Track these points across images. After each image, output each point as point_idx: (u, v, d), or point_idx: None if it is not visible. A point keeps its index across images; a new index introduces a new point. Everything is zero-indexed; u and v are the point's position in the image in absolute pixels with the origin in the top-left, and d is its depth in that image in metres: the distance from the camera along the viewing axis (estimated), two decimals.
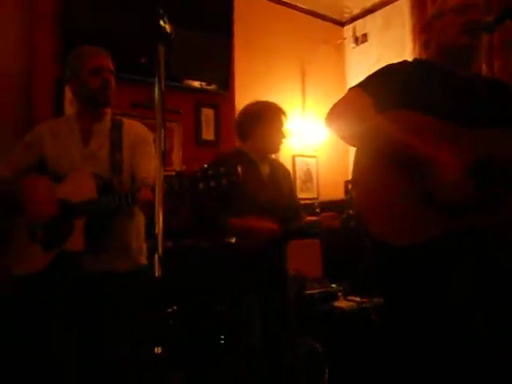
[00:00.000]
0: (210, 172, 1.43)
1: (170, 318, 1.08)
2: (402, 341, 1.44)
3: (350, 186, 2.30)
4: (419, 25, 3.38)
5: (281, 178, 2.31)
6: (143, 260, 1.88)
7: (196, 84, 3.27)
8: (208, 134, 3.37)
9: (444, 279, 1.36)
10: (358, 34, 4.24)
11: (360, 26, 4.24)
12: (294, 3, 4.06)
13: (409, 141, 1.36)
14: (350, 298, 3.09)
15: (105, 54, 1.85)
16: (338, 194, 3.92)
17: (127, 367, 1.71)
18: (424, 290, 1.37)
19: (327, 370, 2.61)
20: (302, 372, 2.53)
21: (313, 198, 3.88)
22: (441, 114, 1.39)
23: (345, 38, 4.36)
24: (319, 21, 4.26)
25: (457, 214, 1.32)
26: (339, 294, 3.12)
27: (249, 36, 3.68)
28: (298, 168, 3.97)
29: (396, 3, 3.91)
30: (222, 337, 2.33)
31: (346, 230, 2.06)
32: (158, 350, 1.04)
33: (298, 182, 3.92)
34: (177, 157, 3.18)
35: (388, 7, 4.01)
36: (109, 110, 1.90)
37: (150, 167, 1.76)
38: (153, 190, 1.16)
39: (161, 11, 1.17)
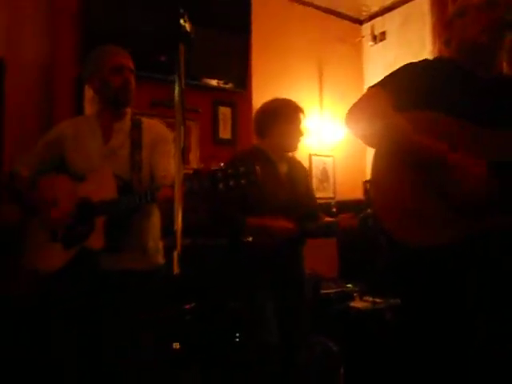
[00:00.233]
0: (229, 171, 1.43)
1: (186, 314, 1.09)
2: (416, 342, 1.44)
3: (368, 186, 2.29)
4: (439, 23, 3.33)
5: (299, 177, 2.30)
6: (160, 259, 1.89)
7: (213, 82, 3.28)
8: (225, 132, 3.39)
9: (462, 281, 1.35)
10: (377, 32, 4.20)
11: (378, 24, 4.20)
12: (311, 1, 4.04)
13: (427, 143, 1.34)
14: (365, 298, 3.07)
15: (125, 54, 1.86)
16: (355, 193, 3.91)
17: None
18: (441, 292, 1.36)
19: (342, 370, 2.60)
20: (317, 371, 2.53)
21: (329, 198, 3.86)
22: (461, 115, 1.37)
23: (363, 37, 4.33)
24: (337, 19, 4.24)
25: (480, 216, 1.31)
26: (355, 294, 3.10)
27: (266, 35, 3.67)
28: (314, 167, 3.96)
29: (416, 1, 3.86)
30: (237, 335, 2.33)
31: (364, 229, 2.05)
32: (176, 345, 1.05)
33: (315, 181, 3.91)
34: (194, 155, 3.20)
35: (407, 5, 3.96)
36: (129, 110, 1.91)
37: (169, 166, 1.77)
38: (172, 188, 1.17)
39: (181, 10, 1.18)
